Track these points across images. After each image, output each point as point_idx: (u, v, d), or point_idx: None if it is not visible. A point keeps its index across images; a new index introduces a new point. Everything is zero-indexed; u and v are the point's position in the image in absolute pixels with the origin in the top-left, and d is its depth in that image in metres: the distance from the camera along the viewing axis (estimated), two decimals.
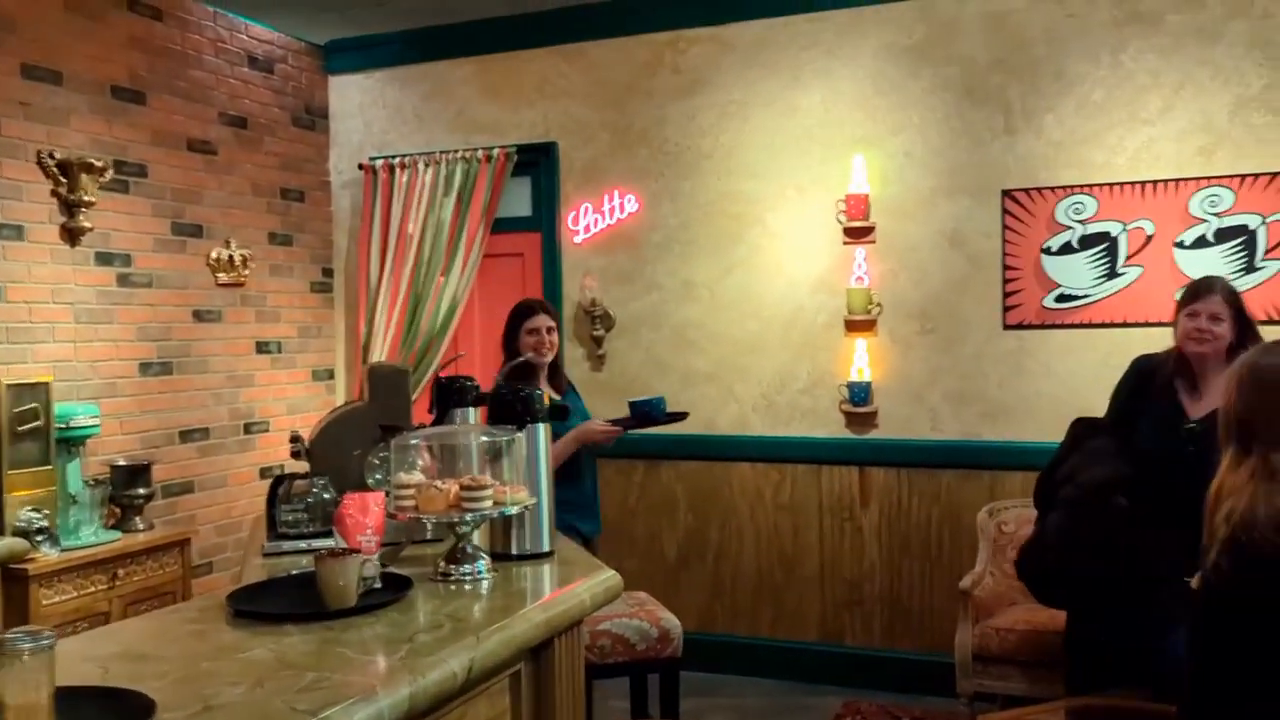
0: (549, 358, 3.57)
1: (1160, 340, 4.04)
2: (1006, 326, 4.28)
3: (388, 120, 5.34)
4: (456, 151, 5.05)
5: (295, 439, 2.82)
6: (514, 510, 2.23)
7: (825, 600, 4.59)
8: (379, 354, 5.11)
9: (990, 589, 4.01)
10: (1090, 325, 4.16)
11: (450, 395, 2.84)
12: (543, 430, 2.45)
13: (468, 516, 2.18)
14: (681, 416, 3.67)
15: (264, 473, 4.91)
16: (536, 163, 5.04)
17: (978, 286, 4.32)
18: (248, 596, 2.05)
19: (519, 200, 5.15)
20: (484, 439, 2.32)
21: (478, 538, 2.44)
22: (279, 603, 1.99)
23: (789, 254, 4.60)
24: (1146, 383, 3.19)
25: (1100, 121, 4.12)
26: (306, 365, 5.30)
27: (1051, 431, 4.19)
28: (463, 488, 2.21)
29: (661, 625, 3.01)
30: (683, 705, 4.29)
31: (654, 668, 3.03)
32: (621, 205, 4.88)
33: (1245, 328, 3.01)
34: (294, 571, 2.26)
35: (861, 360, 4.46)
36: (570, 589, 2.16)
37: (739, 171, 4.68)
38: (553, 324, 3.59)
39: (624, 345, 4.90)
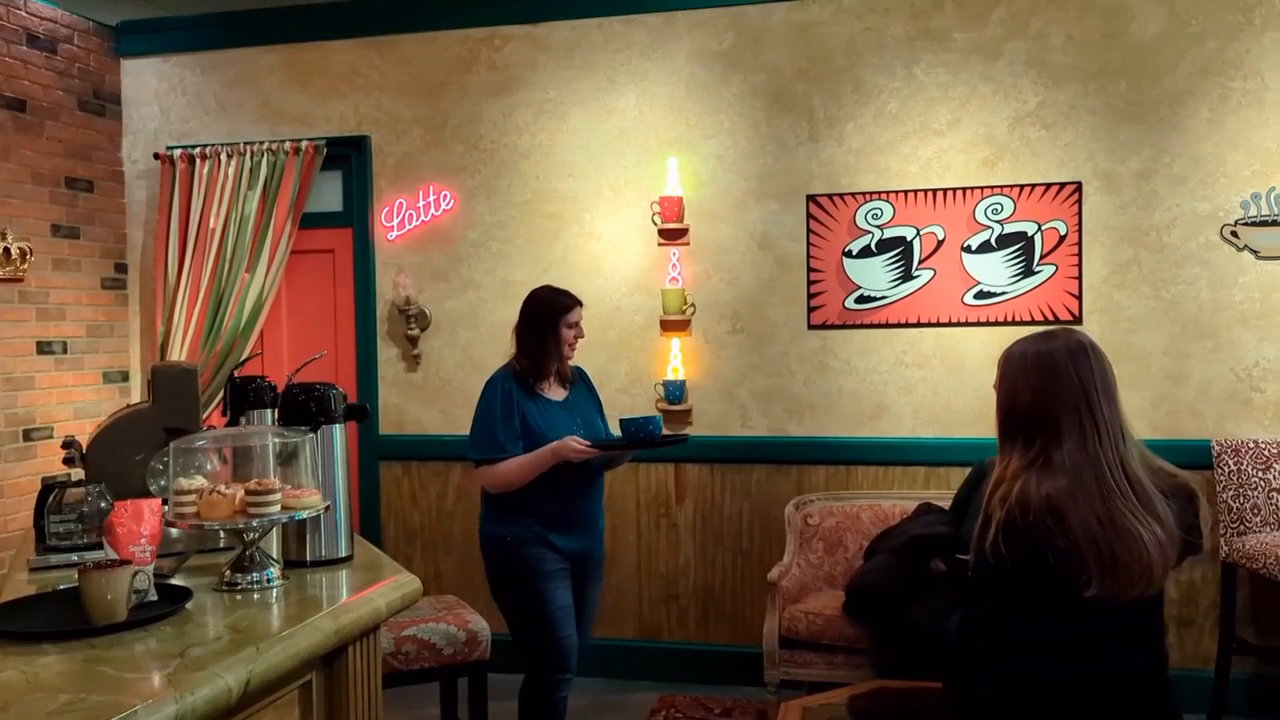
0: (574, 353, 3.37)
1: (949, 339, 4.32)
2: (811, 326, 4.45)
3: (187, 108, 5.06)
4: (262, 143, 4.83)
5: (68, 444, 2.63)
6: (305, 514, 2.15)
7: (643, 597, 4.64)
8: (178, 354, 4.84)
9: (797, 579, 4.15)
10: (887, 325, 4.38)
11: (244, 396, 2.72)
12: (339, 432, 2.37)
13: (254, 522, 2.09)
14: (680, 440, 3.53)
15: (46, 483, 4.55)
16: (348, 157, 4.89)
17: (785, 288, 4.47)
18: (5, 615, 1.89)
19: (329, 195, 4.98)
20: (276, 441, 2.23)
21: (274, 545, 2.34)
22: (38, 620, 1.85)
23: (606, 254, 4.63)
24: (980, 477, 3.49)
25: (896, 131, 4.33)
26: (96, 367, 4.96)
27: (853, 426, 4.41)
28: (248, 492, 2.11)
29: (469, 628, 2.96)
30: (497, 708, 4.26)
31: (463, 671, 2.98)
32: (437, 202, 4.79)
33: None
34: (61, 586, 2.10)
35: (676, 359, 4.54)
36: (364, 595, 2.10)
37: (556, 171, 4.68)
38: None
39: (440, 345, 4.82)
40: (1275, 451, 3.89)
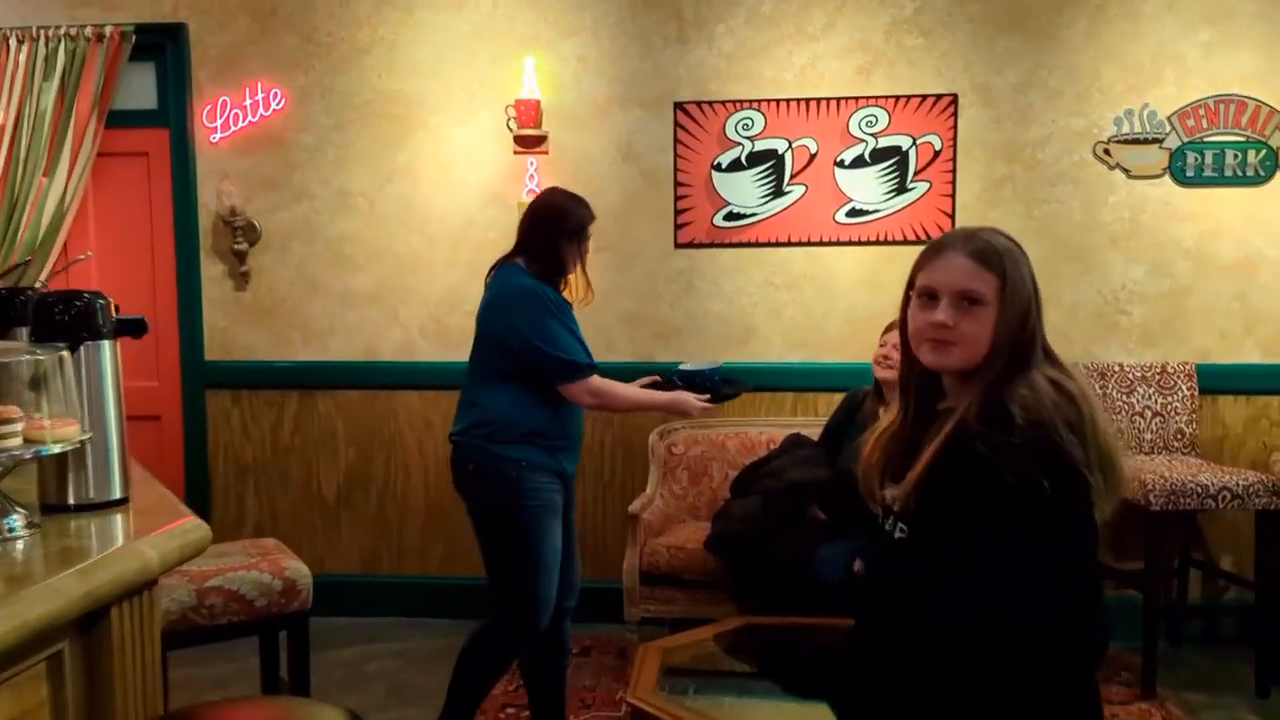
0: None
1: (821, 259, 4.12)
2: (678, 245, 4.18)
3: None
4: (59, 28, 4.21)
5: None
6: (55, 449, 1.76)
7: None
8: None
9: (660, 511, 3.94)
10: (756, 244, 4.14)
11: (8, 311, 2.29)
12: (107, 349, 1.97)
13: None
14: (745, 388, 3.25)
15: None
16: (162, 47, 4.31)
17: (651, 203, 4.18)
18: None
19: (142, 91, 4.40)
20: (20, 361, 1.82)
21: (33, 487, 1.95)
22: None
23: (457, 163, 4.24)
24: (855, 407, 3.45)
25: (769, 34, 4.05)
26: None
27: (719, 351, 4.19)
28: None
29: (286, 575, 2.61)
30: (343, 654, 3.95)
31: (281, 624, 2.64)
32: (266, 101, 4.28)
33: None
34: None
35: None
36: (130, 547, 1.74)
37: (401, 69, 4.23)
38: None
39: (271, 261, 4.35)
40: (1139, 375, 3.84)
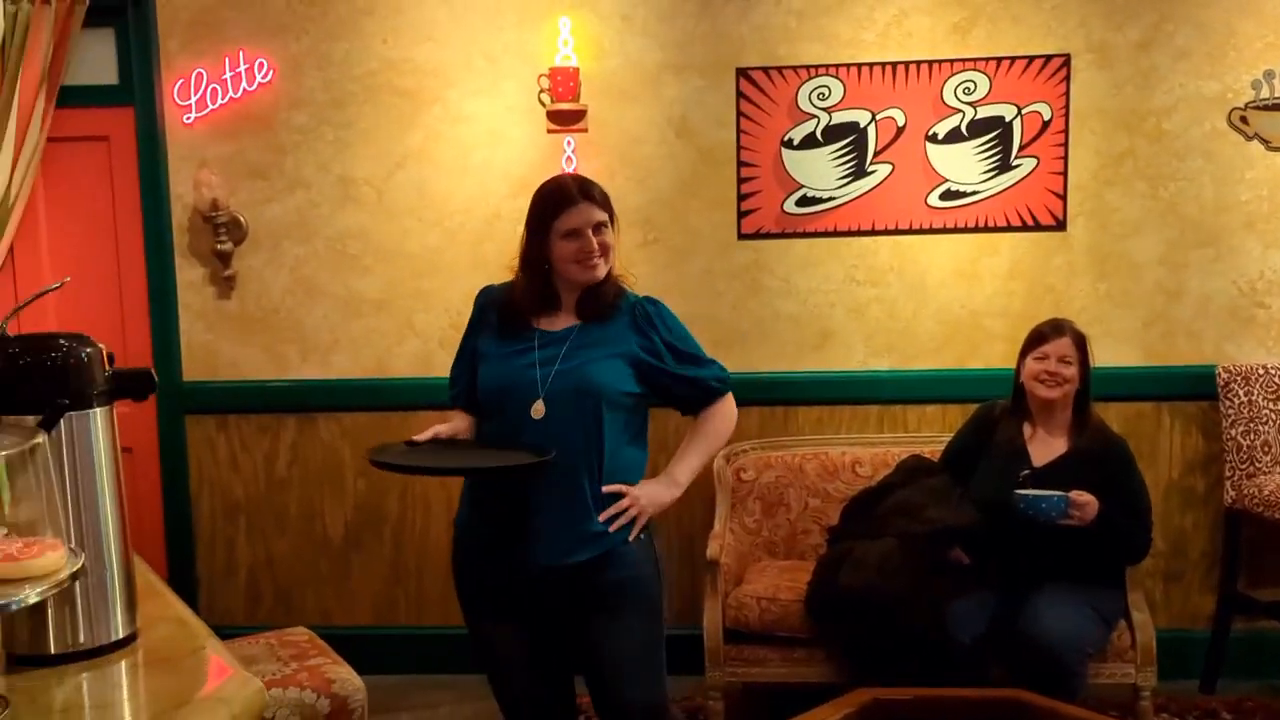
0: (601, 273, 2.20)
1: (909, 250, 3.56)
2: (742, 235, 3.59)
3: None
4: None
5: None
6: (33, 599, 1.14)
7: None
8: None
9: (733, 549, 3.37)
10: (835, 233, 3.57)
11: None
12: (99, 421, 1.34)
13: None
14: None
15: None
16: (121, 9, 3.61)
17: (710, 187, 3.58)
18: None
19: (99, 63, 3.69)
20: None
21: None
22: None
23: (479, 144, 3.60)
24: (989, 424, 3.05)
25: None
26: None
27: (791, 359, 3.63)
28: None
29: (334, 691, 1.99)
30: None
31: None
32: (250, 73, 3.61)
33: (1088, 372, 2.95)
34: None
35: None
36: None
37: (410, 32, 3.58)
38: (605, 218, 2.20)
39: (260, 263, 3.69)
40: None
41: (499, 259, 3.58)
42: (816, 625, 2.93)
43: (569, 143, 3.56)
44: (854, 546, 2.90)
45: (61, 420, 1.29)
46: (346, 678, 2.01)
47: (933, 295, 3.56)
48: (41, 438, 1.21)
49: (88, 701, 1.25)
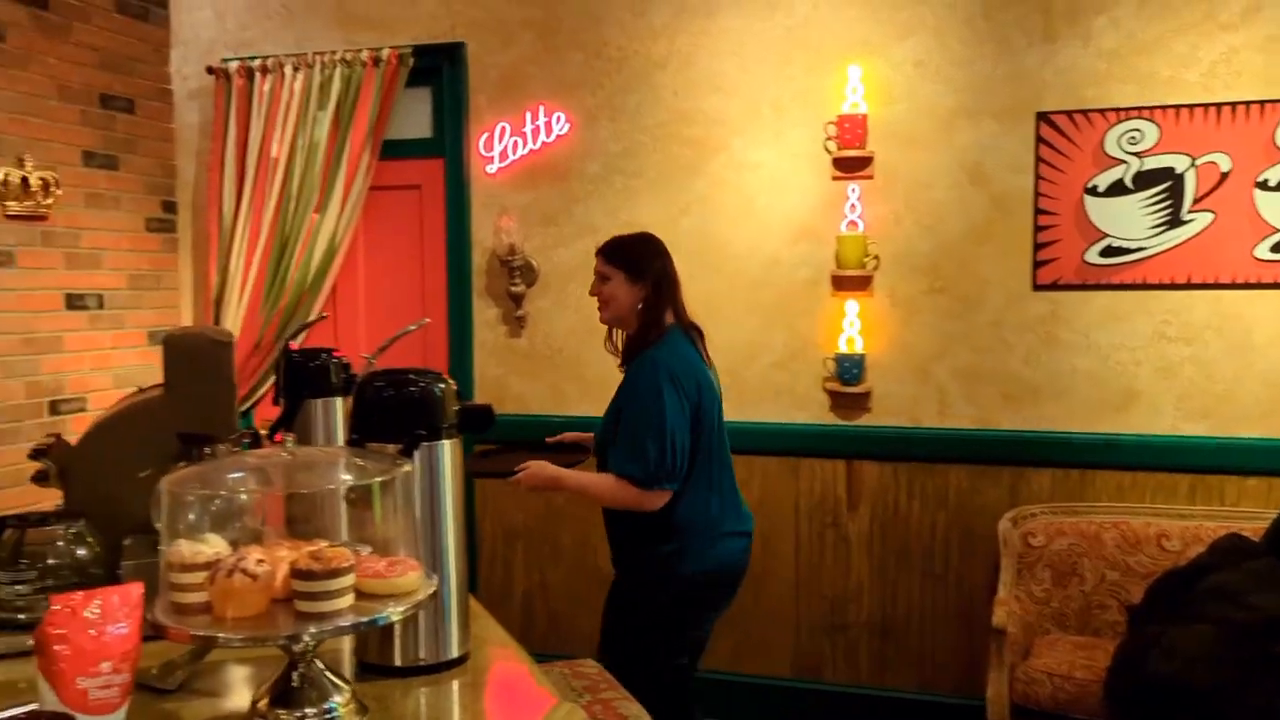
0: (603, 320, 2.64)
1: (1231, 306, 3.24)
2: (1037, 286, 3.40)
3: (246, 11, 4.15)
4: (335, 53, 3.91)
5: (40, 452, 1.74)
6: (396, 617, 1.21)
7: (801, 626, 3.68)
8: (235, 311, 3.98)
9: (1018, 618, 3.15)
10: (1144, 286, 3.31)
11: (301, 379, 1.82)
12: (447, 453, 1.43)
13: (307, 631, 1.16)
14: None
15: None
16: (438, 69, 3.94)
17: (1003, 235, 3.42)
18: None
19: (416, 118, 4.04)
20: (345, 479, 1.30)
21: (344, 644, 1.44)
22: None
23: (763, 191, 3.63)
24: None
25: (1166, 24, 3.23)
26: (141, 325, 4.12)
27: (1090, 419, 3.37)
28: (296, 572, 1.18)
29: None
30: None
31: None
32: (548, 126, 3.82)
33: None
34: None
35: (853, 328, 3.53)
36: None
37: (699, 85, 3.67)
38: (605, 271, 2.56)
39: (549, 305, 3.87)
40: None
41: (775, 304, 3.62)
42: (1119, 712, 2.68)
43: (853, 190, 3.51)
44: (1164, 631, 2.63)
45: (415, 449, 1.39)
46: (638, 715, 2.03)
47: (1260, 356, 3.22)
48: (411, 465, 1.30)
49: (429, 715, 1.33)
